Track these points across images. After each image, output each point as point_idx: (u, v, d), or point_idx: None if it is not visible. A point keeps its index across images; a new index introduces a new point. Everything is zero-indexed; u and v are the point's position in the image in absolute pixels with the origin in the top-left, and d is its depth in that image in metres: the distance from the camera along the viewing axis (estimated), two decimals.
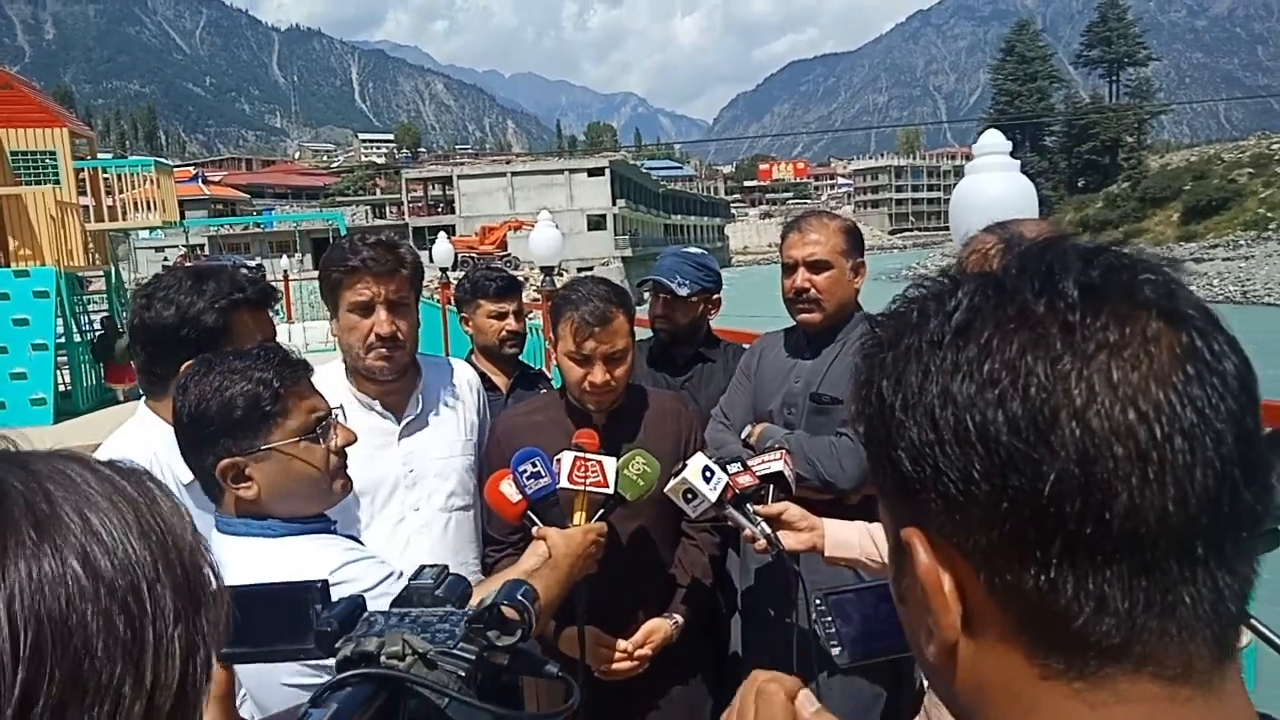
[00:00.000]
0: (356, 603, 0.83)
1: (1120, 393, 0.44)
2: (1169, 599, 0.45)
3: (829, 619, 0.92)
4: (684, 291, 2.80)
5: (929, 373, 0.49)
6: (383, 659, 0.75)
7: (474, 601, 0.88)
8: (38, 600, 0.43)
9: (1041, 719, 0.48)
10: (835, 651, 0.90)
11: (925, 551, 0.50)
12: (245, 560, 1.35)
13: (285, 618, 0.81)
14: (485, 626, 0.78)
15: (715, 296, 2.96)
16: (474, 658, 0.77)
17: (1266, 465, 0.48)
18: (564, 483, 1.75)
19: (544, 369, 4.12)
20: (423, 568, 0.90)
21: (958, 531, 0.48)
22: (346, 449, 1.55)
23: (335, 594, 0.91)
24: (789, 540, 1.76)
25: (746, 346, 3.01)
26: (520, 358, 3.46)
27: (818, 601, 0.93)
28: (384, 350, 2.02)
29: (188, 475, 1.71)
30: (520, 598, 0.82)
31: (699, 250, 3.05)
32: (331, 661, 0.78)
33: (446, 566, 0.91)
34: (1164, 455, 0.44)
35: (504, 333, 3.26)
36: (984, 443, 0.46)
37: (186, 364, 1.71)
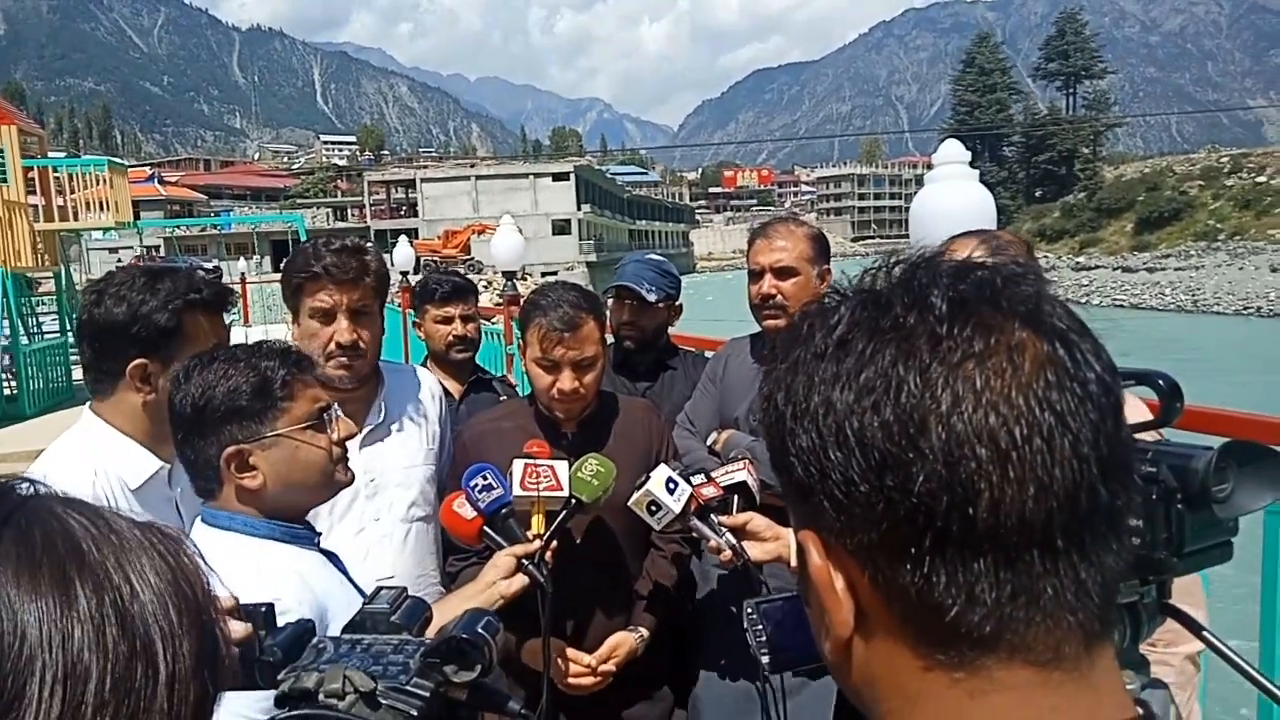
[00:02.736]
0: (304, 628, 0.78)
1: (983, 399, 0.47)
2: (1033, 589, 0.48)
3: (759, 627, 0.93)
4: (653, 297, 2.78)
5: (813, 383, 0.52)
6: (321, 697, 0.69)
7: (435, 626, 0.83)
8: (73, 639, 0.43)
9: (927, 709, 0.50)
10: (765, 659, 0.91)
11: (817, 552, 0.53)
12: (226, 556, 1.32)
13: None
14: (442, 661, 0.74)
15: (677, 303, 2.94)
16: (428, 694, 0.72)
17: (1129, 465, 0.50)
18: (518, 490, 1.71)
19: (505, 374, 4.06)
20: (379, 590, 0.84)
21: (845, 532, 0.51)
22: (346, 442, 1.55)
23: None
24: (754, 550, 1.74)
25: (707, 353, 3.01)
26: (477, 361, 3.41)
27: (749, 610, 0.94)
28: (344, 359, 1.98)
29: (135, 481, 1.67)
30: (480, 630, 0.76)
31: (659, 256, 3.03)
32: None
33: (405, 589, 0.85)
34: (1022, 455, 0.47)
35: (450, 337, 3.18)
36: (861, 447, 0.49)
37: (135, 363, 1.66)
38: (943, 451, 0.47)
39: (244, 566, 1.30)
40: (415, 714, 0.70)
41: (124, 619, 0.45)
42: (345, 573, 1.56)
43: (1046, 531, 0.47)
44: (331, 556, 1.55)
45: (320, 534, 1.54)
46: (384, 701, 0.70)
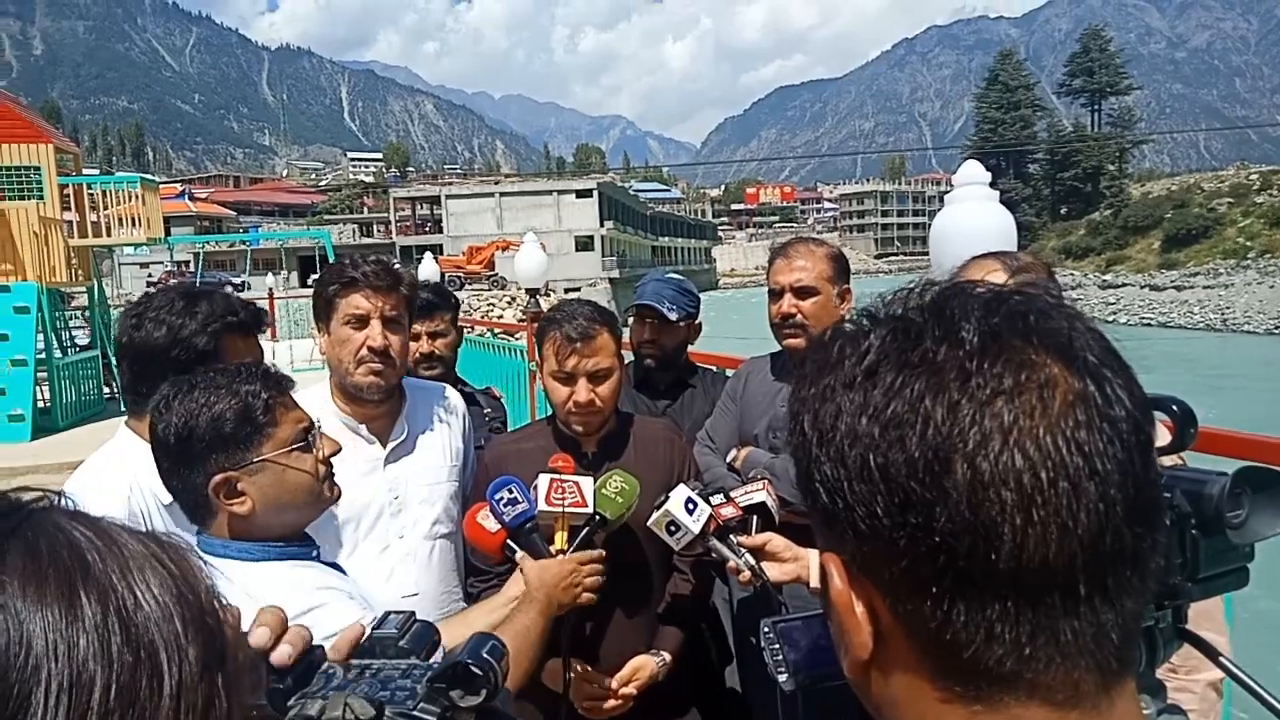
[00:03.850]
0: (314, 654, 0.79)
1: (1011, 439, 0.46)
2: (1053, 631, 0.47)
3: (776, 646, 0.94)
4: (674, 316, 2.79)
5: (840, 412, 0.51)
6: None
7: (446, 643, 0.85)
8: (78, 649, 0.44)
9: None
10: (782, 678, 0.91)
11: (839, 576, 0.53)
12: (223, 583, 1.32)
13: None
14: (448, 686, 0.75)
15: (697, 321, 2.96)
16: (435, 719, 0.74)
17: (1156, 506, 0.50)
18: (542, 505, 1.72)
19: (490, 388, 3.86)
20: (388, 614, 0.86)
21: (867, 561, 0.51)
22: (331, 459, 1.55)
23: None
24: (773, 571, 1.74)
25: (728, 371, 3.02)
26: (461, 375, 3.30)
27: (765, 629, 0.94)
28: (376, 364, 2.00)
29: (168, 497, 1.69)
30: (486, 655, 0.78)
31: (678, 275, 3.04)
32: None
33: (413, 613, 0.87)
34: (1048, 498, 0.46)
35: (417, 355, 3.01)
36: (885, 482, 0.48)
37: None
38: (967, 492, 0.46)
39: (234, 592, 1.30)
40: None
41: (128, 629, 0.46)
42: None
43: (1069, 575, 0.47)
44: (334, 567, 1.56)
45: (319, 547, 1.54)
46: None
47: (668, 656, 2.00)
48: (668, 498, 1.77)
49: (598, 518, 1.75)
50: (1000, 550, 0.46)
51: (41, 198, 11.91)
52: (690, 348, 3.00)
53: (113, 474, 1.71)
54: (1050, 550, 0.46)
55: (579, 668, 1.92)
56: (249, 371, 1.47)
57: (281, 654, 0.76)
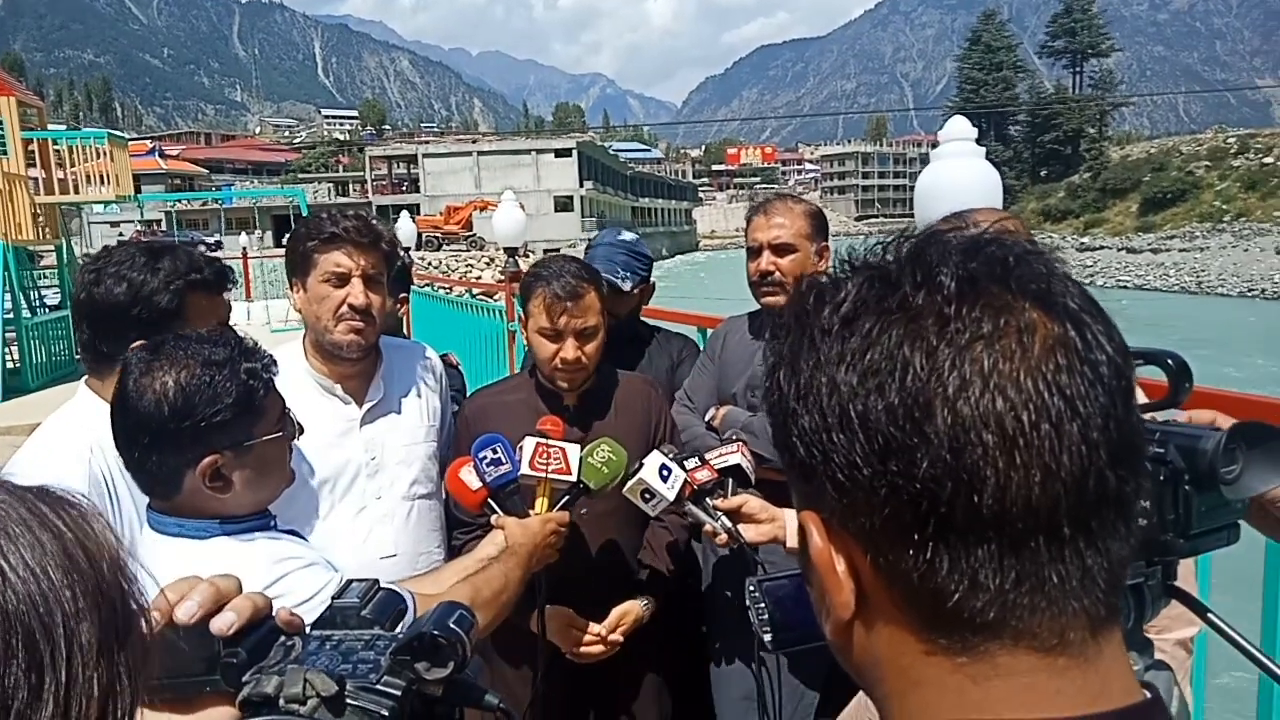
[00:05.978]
0: (270, 627, 0.74)
1: (991, 383, 0.46)
2: (1038, 576, 0.47)
3: (761, 605, 0.93)
4: (628, 286, 2.70)
5: (818, 362, 0.50)
6: (281, 703, 0.66)
7: (420, 609, 0.82)
8: None
9: (928, 693, 0.50)
10: (766, 637, 0.91)
11: (818, 533, 0.52)
12: (174, 563, 1.26)
13: (190, 645, 0.69)
14: (413, 657, 0.71)
15: (650, 283, 2.86)
16: (400, 693, 0.69)
17: (1138, 450, 0.49)
18: (526, 470, 1.71)
19: (448, 355, 3.78)
20: (349, 583, 0.81)
21: (847, 514, 0.50)
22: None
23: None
24: (750, 533, 1.74)
25: (680, 330, 2.98)
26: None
27: (751, 588, 0.93)
28: (356, 322, 1.96)
29: None
30: (453, 625, 0.74)
31: (631, 235, 2.90)
32: None
33: (377, 581, 0.82)
34: (1030, 441, 0.45)
35: None
36: (865, 430, 0.48)
37: (134, 346, 1.63)
38: (948, 437, 0.46)
39: (185, 573, 1.26)
40: (386, 714, 0.68)
41: None
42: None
43: (1053, 518, 0.46)
44: (292, 534, 1.51)
45: (274, 516, 1.48)
46: (353, 702, 0.67)
47: (651, 601, 2.07)
48: (642, 465, 1.77)
49: (581, 486, 1.74)
50: (983, 494, 0.46)
51: (4, 153, 11.63)
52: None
53: (72, 436, 1.66)
54: (1033, 493, 0.46)
55: (568, 616, 1.97)
56: (245, 346, 1.39)
57: (222, 621, 0.69)
